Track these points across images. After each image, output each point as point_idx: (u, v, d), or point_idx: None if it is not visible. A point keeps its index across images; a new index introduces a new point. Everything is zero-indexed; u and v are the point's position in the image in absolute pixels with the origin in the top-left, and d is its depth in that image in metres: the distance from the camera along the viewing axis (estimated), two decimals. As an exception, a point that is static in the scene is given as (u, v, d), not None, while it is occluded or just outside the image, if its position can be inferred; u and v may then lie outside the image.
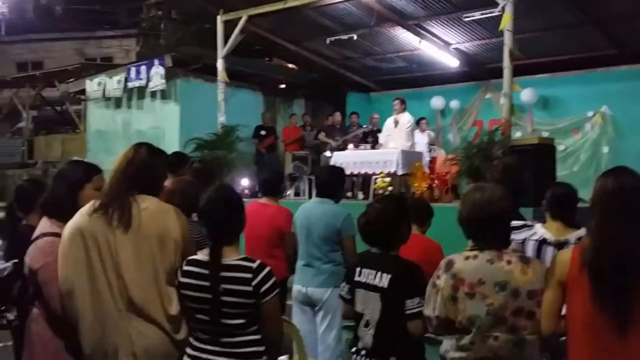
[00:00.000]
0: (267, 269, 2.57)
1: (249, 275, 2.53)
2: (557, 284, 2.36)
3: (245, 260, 2.59)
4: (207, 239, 2.64)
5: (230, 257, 2.59)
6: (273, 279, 2.56)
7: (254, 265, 2.56)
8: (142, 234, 2.60)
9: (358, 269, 2.96)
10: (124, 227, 2.59)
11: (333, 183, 4.45)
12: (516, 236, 3.55)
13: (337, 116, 11.98)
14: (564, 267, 2.33)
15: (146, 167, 2.76)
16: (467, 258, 2.55)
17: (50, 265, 2.64)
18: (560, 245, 3.39)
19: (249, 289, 2.51)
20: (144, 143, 2.90)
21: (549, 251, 3.43)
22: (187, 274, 2.62)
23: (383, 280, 2.82)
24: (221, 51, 10.93)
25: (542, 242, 3.50)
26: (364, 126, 11.41)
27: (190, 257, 2.65)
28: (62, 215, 2.74)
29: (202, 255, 2.64)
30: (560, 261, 2.37)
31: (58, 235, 2.70)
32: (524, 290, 2.42)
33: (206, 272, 2.56)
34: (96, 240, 2.59)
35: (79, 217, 2.66)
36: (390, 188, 8.53)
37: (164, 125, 12.01)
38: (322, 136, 11.70)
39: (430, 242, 4.00)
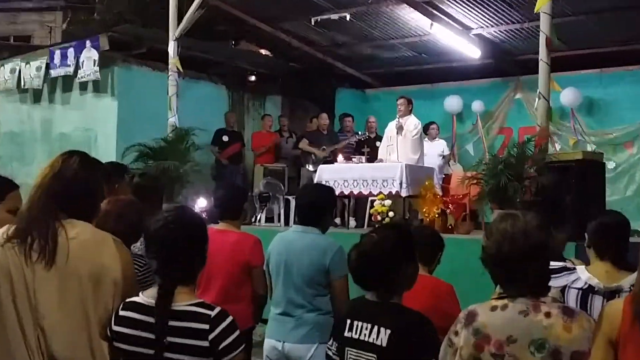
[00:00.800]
0: (229, 319, 2.57)
1: (206, 327, 2.52)
2: (607, 342, 2.37)
3: (202, 306, 2.58)
4: (156, 276, 2.63)
5: (183, 301, 2.58)
6: (237, 332, 2.56)
7: (213, 313, 2.55)
8: (70, 271, 2.59)
9: (349, 322, 2.95)
10: (46, 262, 2.57)
11: (320, 207, 4.44)
12: (554, 282, 3.55)
13: (324, 118, 12.03)
14: (615, 321, 2.35)
15: (78, 183, 2.75)
16: (493, 309, 2.56)
17: None
18: (611, 294, 3.39)
19: (205, 344, 2.50)
20: (76, 152, 2.90)
21: (597, 302, 3.40)
22: (123, 321, 2.60)
23: (381, 336, 2.81)
24: (173, 32, 10.96)
25: (587, 291, 3.47)
26: (358, 133, 11.47)
27: (128, 300, 2.64)
28: None
29: (145, 298, 2.62)
30: (609, 314, 2.39)
31: None
32: (567, 351, 2.43)
33: (150, 320, 2.55)
34: (8, 277, 2.57)
35: None
36: (391, 214, 8.57)
37: (97, 126, 11.97)
38: (303, 144, 11.73)
39: (440, 284, 4.03)
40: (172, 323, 2.53)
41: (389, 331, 2.80)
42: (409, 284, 3.01)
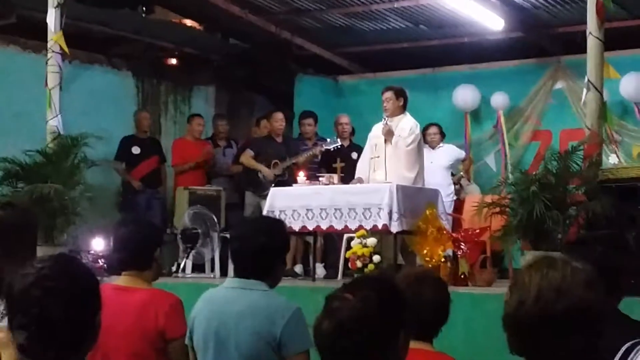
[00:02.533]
0: None
1: None
2: None
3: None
4: (22, 355, 2.60)
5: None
6: None
7: None
8: None
9: None
10: None
11: (266, 251, 4.42)
12: None
13: (278, 120, 11.99)
14: None
15: None
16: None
17: None
18: None
19: None
20: None
21: None
22: None
23: None
24: (56, -5, 10.91)
25: None
26: (327, 140, 11.43)
27: None
28: None
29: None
30: None
31: None
32: None
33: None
34: None
35: None
36: (376, 258, 8.56)
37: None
38: (247, 158, 11.74)
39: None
40: None
41: None
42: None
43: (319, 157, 11.33)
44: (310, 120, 12.14)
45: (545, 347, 2.53)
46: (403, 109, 10.06)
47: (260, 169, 11.38)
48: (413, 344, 4.00)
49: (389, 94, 10.07)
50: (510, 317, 2.57)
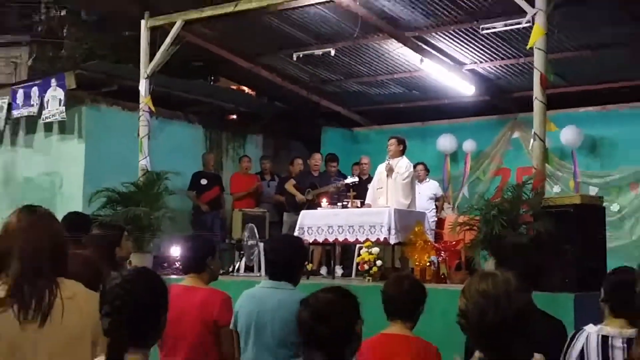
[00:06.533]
0: None
1: None
2: None
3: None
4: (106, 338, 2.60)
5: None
6: None
7: None
8: (64, 333, 2.75)
9: None
10: (40, 324, 2.73)
11: (291, 259, 4.43)
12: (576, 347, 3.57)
13: (316, 159, 11.99)
14: None
15: (60, 239, 2.95)
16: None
17: None
18: (629, 340, 3.40)
19: None
20: (33, 206, 3.02)
21: (617, 352, 3.47)
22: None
23: None
24: (146, 68, 10.99)
25: (605, 340, 3.50)
26: (347, 177, 11.33)
27: None
28: None
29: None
30: None
31: None
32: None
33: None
34: None
35: None
36: (379, 262, 8.53)
37: (62, 170, 11.95)
38: (290, 185, 11.74)
39: (425, 345, 4.00)
40: None
41: None
42: (355, 348, 3.04)
43: (342, 187, 11.21)
44: (334, 163, 12.05)
45: (501, 341, 2.50)
46: (402, 152, 10.02)
47: (297, 194, 11.41)
48: (395, 330, 4.02)
49: (392, 141, 10.06)
50: (473, 324, 2.55)
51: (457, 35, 11.07)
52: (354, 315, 3.04)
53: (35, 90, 12.05)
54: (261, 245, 10.49)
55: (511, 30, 9.39)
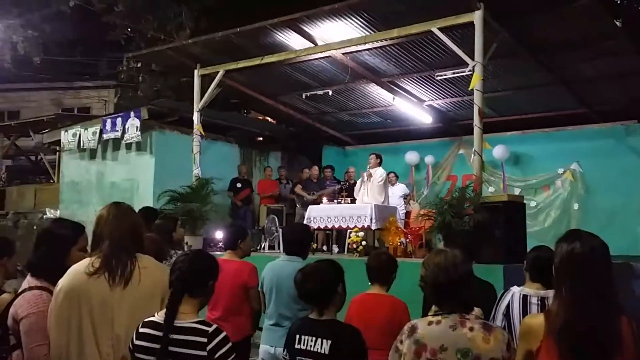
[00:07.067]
0: (223, 334, 2.52)
1: (204, 340, 2.47)
2: (528, 353, 2.32)
3: (202, 323, 2.54)
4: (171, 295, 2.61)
5: (187, 319, 2.53)
6: (229, 345, 2.51)
7: (210, 329, 2.50)
8: (141, 291, 2.79)
9: (297, 336, 2.92)
10: (124, 285, 2.77)
11: (301, 240, 4.46)
12: (502, 304, 3.55)
13: (315, 170, 12.15)
14: (537, 335, 2.29)
15: (138, 226, 2.97)
16: (430, 323, 2.52)
17: (33, 317, 2.73)
18: (542, 299, 3.40)
19: (203, 353, 2.44)
20: (118, 202, 3.05)
21: (533, 307, 3.45)
22: (141, 336, 2.55)
23: (324, 346, 2.79)
24: (197, 104, 10.99)
25: (526, 298, 3.49)
26: (340, 182, 11.41)
27: (147, 319, 2.60)
28: (49, 276, 2.86)
29: (158, 317, 2.57)
30: (529, 326, 2.34)
31: (46, 289, 2.83)
32: (486, 358, 2.39)
33: (160, 334, 2.50)
34: (90, 302, 2.71)
35: (75, 277, 2.75)
36: (364, 243, 8.52)
37: (139, 177, 11.94)
38: (298, 189, 11.80)
39: (396, 301, 3.97)
40: (176, 336, 2.48)
41: (329, 341, 2.80)
42: (339, 304, 3.01)
43: (338, 191, 11.16)
44: (329, 170, 12.07)
45: (449, 296, 2.53)
46: (379, 164, 10.04)
47: (305, 195, 11.40)
48: (375, 291, 4.01)
49: (372, 156, 10.11)
50: (429, 284, 2.57)
51: (419, 80, 11.06)
52: (336, 278, 3.01)
53: (119, 120, 12.09)
54: (280, 230, 10.53)
55: (457, 76, 9.35)
